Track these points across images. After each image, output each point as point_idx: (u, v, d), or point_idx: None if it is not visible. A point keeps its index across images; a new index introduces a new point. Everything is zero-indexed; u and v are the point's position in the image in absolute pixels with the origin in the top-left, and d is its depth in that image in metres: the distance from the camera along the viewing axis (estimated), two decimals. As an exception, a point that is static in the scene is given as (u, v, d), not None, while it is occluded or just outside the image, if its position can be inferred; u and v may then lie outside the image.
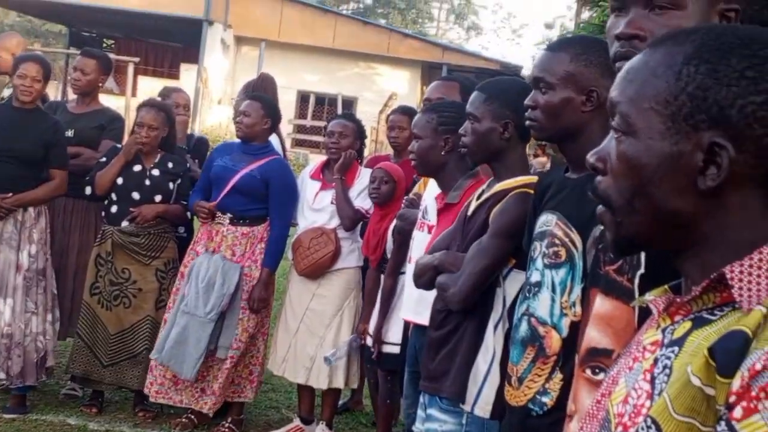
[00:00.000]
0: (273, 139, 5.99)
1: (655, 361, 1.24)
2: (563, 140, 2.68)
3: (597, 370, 1.77)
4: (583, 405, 1.79)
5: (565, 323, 2.53)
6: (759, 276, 1.17)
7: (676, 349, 1.22)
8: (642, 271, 1.69)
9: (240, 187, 5.55)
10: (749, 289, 1.17)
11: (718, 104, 1.18)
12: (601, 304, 1.78)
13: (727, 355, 1.10)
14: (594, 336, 1.78)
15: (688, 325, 1.23)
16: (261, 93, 6.10)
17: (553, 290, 2.62)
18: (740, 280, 1.18)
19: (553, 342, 2.60)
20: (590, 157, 1.32)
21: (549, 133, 2.68)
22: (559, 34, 32.53)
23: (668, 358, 1.22)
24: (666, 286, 1.33)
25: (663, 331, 1.27)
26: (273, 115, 5.72)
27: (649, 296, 1.33)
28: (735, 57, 1.19)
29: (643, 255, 1.69)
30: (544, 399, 2.60)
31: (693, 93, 1.20)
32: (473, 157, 3.33)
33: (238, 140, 5.82)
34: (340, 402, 6.15)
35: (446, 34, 54.91)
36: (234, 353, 5.53)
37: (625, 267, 1.73)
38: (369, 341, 5.22)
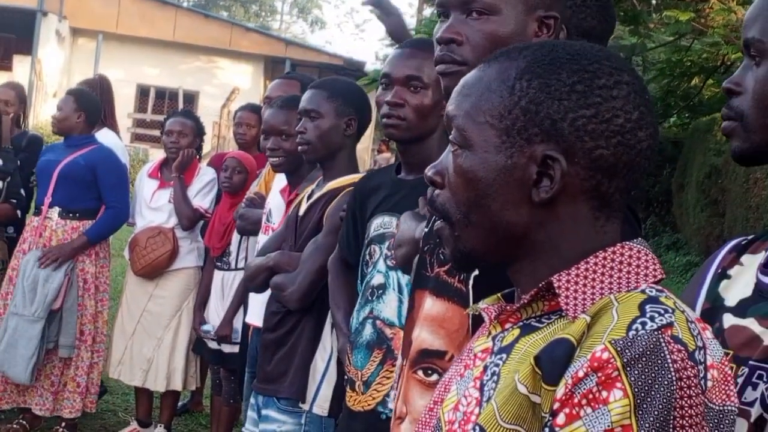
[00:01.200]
0: (111, 136, 5.87)
1: (485, 368, 1.26)
2: (418, 142, 2.62)
3: (429, 372, 1.78)
4: (415, 407, 1.80)
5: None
6: (585, 285, 1.21)
7: (504, 356, 1.24)
8: (476, 273, 1.70)
9: (65, 175, 5.34)
10: (575, 298, 1.20)
11: (550, 118, 1.20)
12: (432, 305, 1.79)
13: (552, 363, 1.13)
14: (426, 337, 1.79)
15: (516, 332, 1.26)
16: (84, 88, 5.94)
17: (400, 291, 2.61)
18: (567, 289, 1.21)
19: (401, 343, 2.59)
20: (428, 171, 1.32)
21: (413, 133, 2.60)
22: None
23: (497, 365, 1.24)
24: (498, 295, 1.36)
25: (493, 338, 1.30)
26: (87, 109, 5.51)
27: (482, 304, 1.35)
28: (565, 71, 1.21)
29: None
30: (395, 402, 2.59)
31: (526, 107, 1.21)
32: (313, 153, 3.30)
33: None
34: (180, 403, 6.07)
35: (290, 27, 54.73)
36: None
37: None
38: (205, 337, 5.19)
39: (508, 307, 1.29)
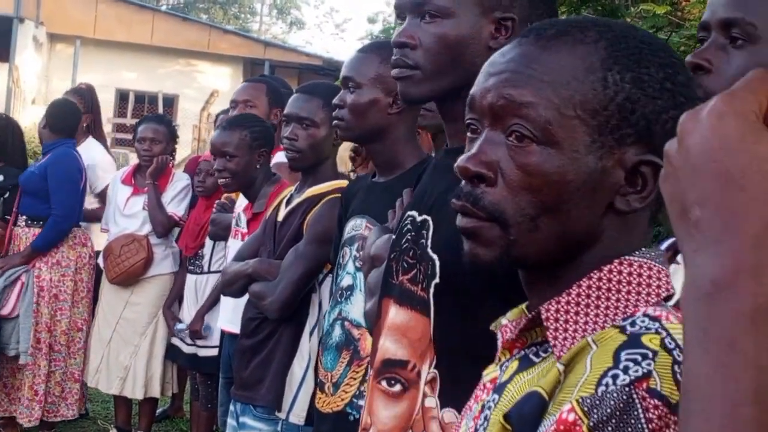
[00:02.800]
0: (94, 145, 5.89)
1: (483, 407, 1.15)
2: (370, 141, 2.69)
3: (393, 382, 1.74)
4: (379, 417, 1.76)
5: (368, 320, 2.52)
6: (576, 316, 1.06)
7: (496, 398, 1.12)
8: (437, 280, 1.67)
9: (24, 187, 5.44)
10: (565, 332, 1.06)
11: (645, 118, 1.07)
12: (395, 314, 1.76)
13: (523, 422, 1.00)
14: (389, 347, 1.75)
15: (515, 365, 1.14)
16: (86, 103, 6.03)
17: None
18: (556, 320, 1.07)
19: (368, 344, 2.59)
20: (470, 165, 1.12)
21: (355, 133, 2.67)
22: (382, 29, 32.84)
23: (489, 408, 1.12)
24: (523, 307, 1.19)
25: (500, 367, 1.17)
26: (48, 116, 5.63)
27: (504, 319, 1.19)
28: (653, 66, 1.09)
29: (438, 264, 1.67)
30: (362, 402, 2.58)
31: (622, 104, 1.08)
32: (303, 162, 3.25)
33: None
34: (160, 409, 6.06)
35: (270, 29, 54.65)
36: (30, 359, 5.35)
37: (419, 276, 1.70)
38: (178, 342, 5.16)
39: (506, 336, 1.15)
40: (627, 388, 0.92)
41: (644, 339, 0.97)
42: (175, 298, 5.38)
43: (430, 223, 1.71)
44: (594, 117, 1.08)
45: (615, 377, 0.94)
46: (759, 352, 0.67)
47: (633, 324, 1.01)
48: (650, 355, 0.95)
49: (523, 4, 1.72)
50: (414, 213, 1.78)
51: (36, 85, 23.91)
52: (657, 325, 0.99)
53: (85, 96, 6.22)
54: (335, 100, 2.66)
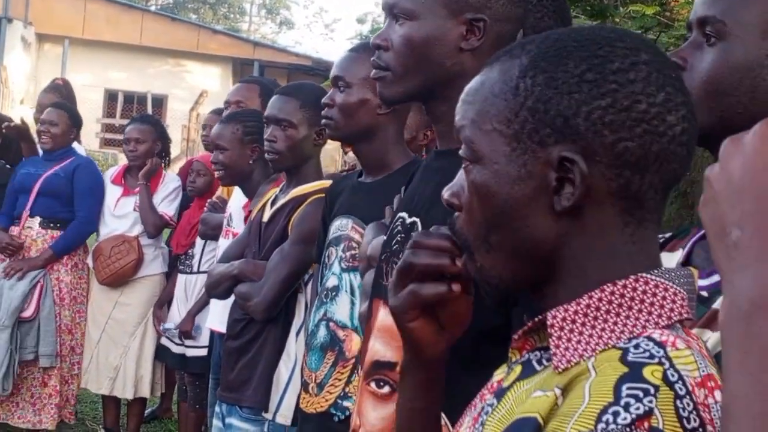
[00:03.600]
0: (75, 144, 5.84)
1: (482, 409, 1.13)
2: (358, 141, 2.70)
3: (381, 383, 1.75)
4: (368, 419, 1.76)
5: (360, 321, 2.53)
6: (582, 328, 1.03)
7: (495, 403, 1.10)
8: None
9: (46, 189, 5.38)
10: (568, 339, 1.03)
11: (561, 115, 1.05)
12: (385, 316, 1.76)
13: None
14: (378, 349, 1.76)
15: (518, 370, 1.11)
16: (64, 99, 5.96)
17: (352, 293, 2.63)
18: (561, 329, 1.04)
19: (353, 345, 2.61)
20: (444, 193, 1.16)
21: (343, 132, 2.69)
22: (371, 29, 32.87)
23: (486, 413, 1.10)
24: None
25: (510, 366, 1.14)
26: (78, 124, 5.64)
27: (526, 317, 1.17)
28: (572, 61, 1.07)
29: None
30: (346, 403, 2.60)
31: (533, 107, 1.07)
32: (283, 163, 3.26)
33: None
34: (149, 410, 6.06)
35: (259, 29, 54.61)
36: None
37: None
38: (167, 342, 5.16)
39: (515, 336, 1.13)
40: (628, 429, 0.89)
41: (646, 372, 0.94)
42: (167, 298, 5.38)
43: (419, 225, 1.71)
44: (508, 126, 1.08)
45: (616, 414, 0.90)
46: None
47: (637, 347, 0.98)
48: (652, 390, 0.92)
49: (496, 5, 1.72)
50: (404, 214, 1.79)
51: (24, 86, 23.85)
52: (661, 353, 0.96)
53: (63, 93, 6.22)
54: (325, 99, 2.67)
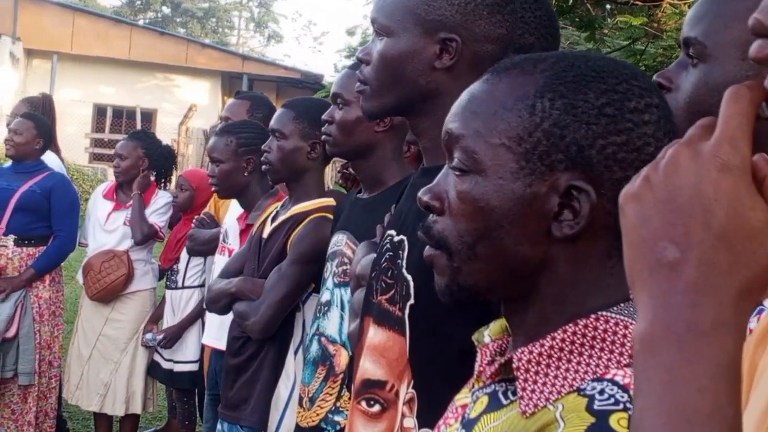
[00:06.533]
0: (52, 158, 5.81)
1: None
2: (356, 158, 2.72)
3: (372, 402, 1.74)
4: (359, 438, 1.76)
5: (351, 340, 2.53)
6: (548, 366, 1.04)
7: None
8: (412, 301, 1.67)
9: (22, 205, 5.30)
10: (534, 382, 1.03)
11: (577, 143, 1.06)
12: (374, 334, 1.76)
13: None
14: (368, 367, 1.75)
15: (485, 401, 1.12)
16: (38, 113, 5.89)
17: (342, 308, 2.63)
18: (527, 371, 1.04)
19: (342, 360, 2.61)
20: (423, 196, 1.16)
21: (342, 149, 2.70)
22: (360, 42, 32.88)
23: None
24: (505, 324, 1.16)
25: (472, 394, 1.15)
26: (45, 136, 5.54)
27: (486, 335, 1.17)
28: (592, 92, 1.07)
29: (412, 283, 1.67)
30: (337, 418, 2.60)
31: (549, 130, 1.07)
32: (276, 175, 3.26)
33: (8, 163, 5.61)
34: (152, 429, 6.03)
35: (248, 42, 54.65)
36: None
37: (396, 297, 1.71)
38: (158, 358, 5.17)
39: (485, 360, 1.14)
40: None
41: (612, 421, 0.94)
42: (159, 315, 5.38)
43: (406, 243, 1.72)
44: (519, 144, 1.08)
45: None
46: (730, 400, 0.69)
47: (602, 393, 0.98)
48: None
49: (473, 25, 1.72)
50: (393, 232, 1.79)
51: (13, 101, 23.71)
52: (626, 398, 0.96)
53: (36, 105, 6.20)
54: (324, 116, 2.68)
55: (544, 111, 1.08)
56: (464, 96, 1.16)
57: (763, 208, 0.72)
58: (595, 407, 0.96)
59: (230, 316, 3.38)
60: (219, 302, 3.32)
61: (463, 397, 1.18)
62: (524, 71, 1.12)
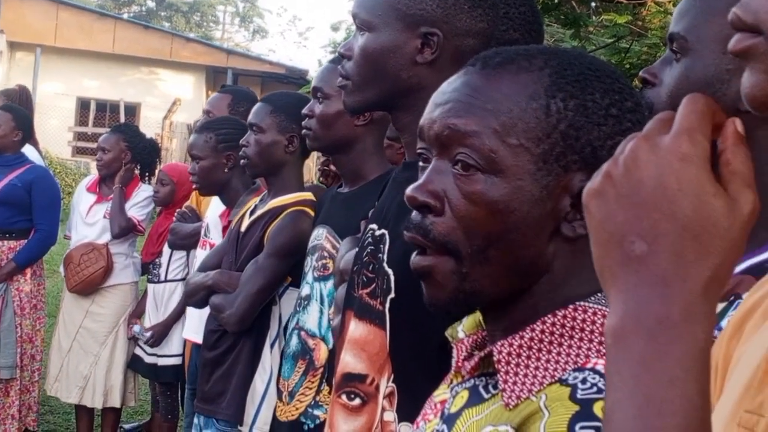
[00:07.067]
0: (31, 150, 5.81)
1: None
2: (336, 152, 2.73)
3: (352, 396, 1.75)
4: (339, 431, 1.76)
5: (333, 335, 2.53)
6: (528, 358, 1.03)
7: (445, 429, 1.09)
8: (392, 295, 1.67)
9: (3, 198, 5.33)
10: (516, 374, 1.03)
11: (591, 144, 1.06)
12: (355, 328, 1.76)
13: None
14: (349, 361, 1.76)
15: (465, 395, 1.11)
16: (16, 105, 5.88)
17: (321, 302, 2.65)
18: (507, 363, 1.04)
19: (321, 354, 2.62)
20: (417, 194, 1.10)
21: (322, 143, 2.71)
22: (345, 37, 32.87)
23: None
24: (479, 319, 1.14)
25: (451, 389, 1.14)
26: (23, 128, 5.54)
27: (460, 332, 1.15)
28: (597, 92, 1.08)
29: (392, 277, 1.67)
30: (316, 412, 2.61)
31: (566, 131, 1.06)
32: (254, 169, 3.26)
33: None
34: (135, 423, 6.02)
35: (233, 37, 54.54)
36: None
37: (377, 291, 1.71)
38: (140, 352, 5.14)
39: (461, 356, 1.13)
40: None
41: (596, 408, 0.94)
42: (142, 310, 5.39)
43: (387, 237, 1.72)
44: (538, 145, 1.07)
45: None
46: (699, 389, 0.70)
47: (584, 382, 0.99)
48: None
49: (454, 19, 1.73)
50: (374, 226, 1.79)
51: (-4, 94, 23.69)
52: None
53: (13, 97, 6.19)
54: (305, 110, 2.69)
55: (559, 112, 1.07)
56: (462, 89, 1.11)
57: (724, 195, 0.72)
58: (579, 396, 0.97)
59: (209, 310, 3.38)
60: (196, 295, 3.32)
61: (441, 392, 1.17)
62: (523, 67, 1.10)
